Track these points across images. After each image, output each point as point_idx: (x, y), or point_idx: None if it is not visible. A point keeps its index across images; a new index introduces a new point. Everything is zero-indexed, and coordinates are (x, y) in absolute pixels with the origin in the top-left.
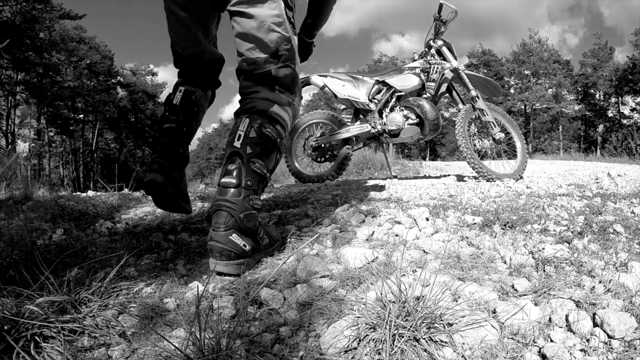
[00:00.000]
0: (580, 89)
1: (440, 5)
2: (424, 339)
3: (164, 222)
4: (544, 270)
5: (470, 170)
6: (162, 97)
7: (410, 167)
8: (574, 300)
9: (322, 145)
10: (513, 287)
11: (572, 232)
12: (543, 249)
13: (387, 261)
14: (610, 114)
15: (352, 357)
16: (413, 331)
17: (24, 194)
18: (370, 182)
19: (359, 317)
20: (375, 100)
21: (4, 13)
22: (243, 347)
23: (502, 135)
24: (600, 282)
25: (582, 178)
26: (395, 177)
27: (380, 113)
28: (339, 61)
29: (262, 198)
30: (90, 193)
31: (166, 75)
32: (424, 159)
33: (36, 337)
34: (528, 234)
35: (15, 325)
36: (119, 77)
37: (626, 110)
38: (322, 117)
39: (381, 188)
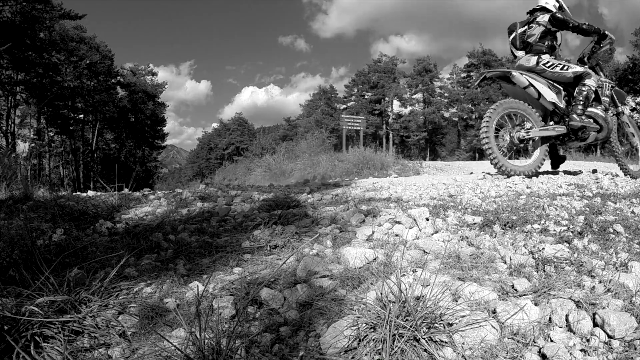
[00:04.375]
0: None
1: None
2: (424, 339)
3: (164, 222)
4: (544, 270)
5: (469, 170)
6: (162, 97)
7: (410, 167)
8: (574, 300)
9: (527, 139)
10: (513, 287)
11: (572, 232)
12: (543, 249)
13: (387, 261)
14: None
15: (352, 357)
16: (413, 331)
17: (24, 194)
18: (370, 182)
19: (359, 317)
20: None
21: (4, 13)
22: (243, 347)
23: None
24: (600, 282)
25: (582, 178)
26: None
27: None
28: (340, 61)
29: (262, 198)
30: (90, 193)
31: (166, 75)
32: (424, 159)
33: (36, 337)
34: (528, 234)
35: (15, 325)
36: (118, 77)
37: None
38: (516, 106)
39: (381, 188)
